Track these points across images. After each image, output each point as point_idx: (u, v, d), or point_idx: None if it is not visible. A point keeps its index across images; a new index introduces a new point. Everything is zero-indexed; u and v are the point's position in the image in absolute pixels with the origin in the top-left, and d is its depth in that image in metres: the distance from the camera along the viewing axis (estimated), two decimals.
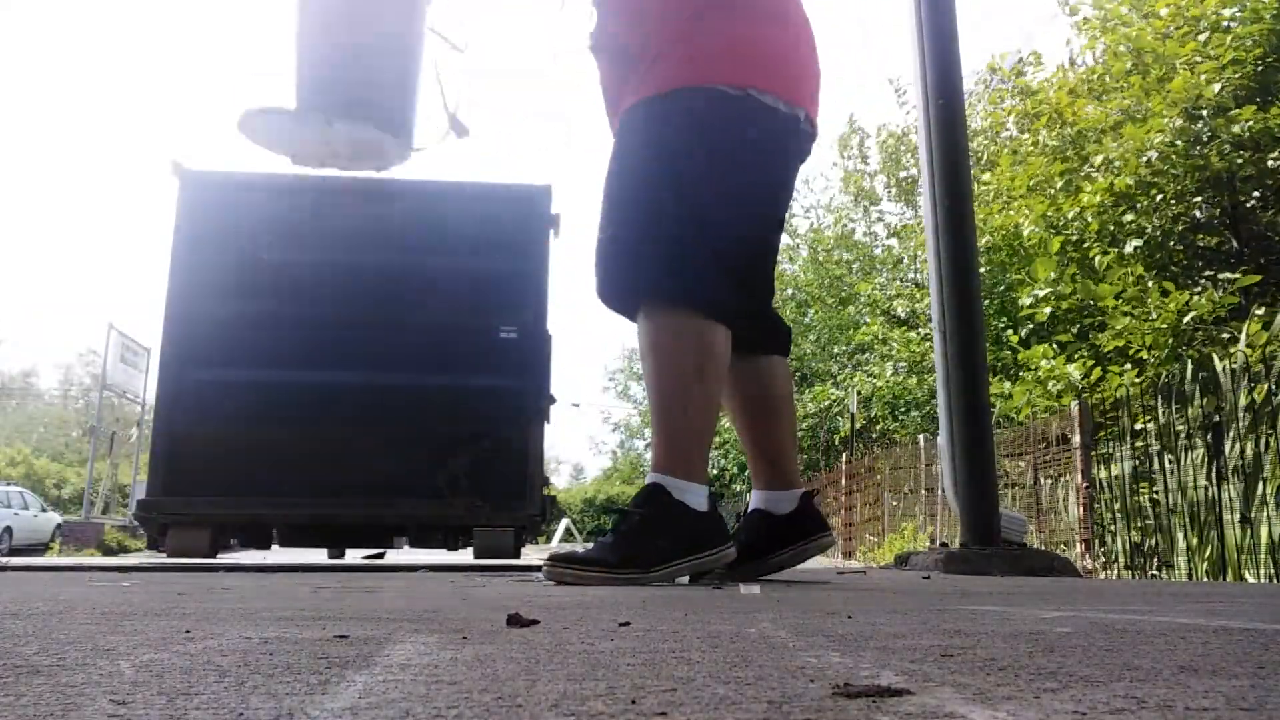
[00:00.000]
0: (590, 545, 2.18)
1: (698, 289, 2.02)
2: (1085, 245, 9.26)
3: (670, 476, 1.97)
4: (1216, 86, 7.92)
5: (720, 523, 2.04)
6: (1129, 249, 8.56)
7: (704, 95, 2.05)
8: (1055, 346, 9.02)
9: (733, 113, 2.06)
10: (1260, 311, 6.27)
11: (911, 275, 13.79)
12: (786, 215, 2.46)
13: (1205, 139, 8.02)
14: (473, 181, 5.24)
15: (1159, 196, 8.46)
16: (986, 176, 11.01)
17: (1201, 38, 8.38)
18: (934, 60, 3.98)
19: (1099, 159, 8.69)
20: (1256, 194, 8.77)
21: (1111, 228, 8.86)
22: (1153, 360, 7.44)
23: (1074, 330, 9.05)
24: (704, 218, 2.05)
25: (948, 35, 4.05)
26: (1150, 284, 7.60)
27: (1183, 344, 7.34)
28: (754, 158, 2.11)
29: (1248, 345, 6.04)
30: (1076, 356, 8.48)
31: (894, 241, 15.54)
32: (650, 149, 2.10)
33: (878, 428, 14.31)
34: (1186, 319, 7.17)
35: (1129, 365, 7.80)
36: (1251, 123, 7.77)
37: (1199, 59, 8.32)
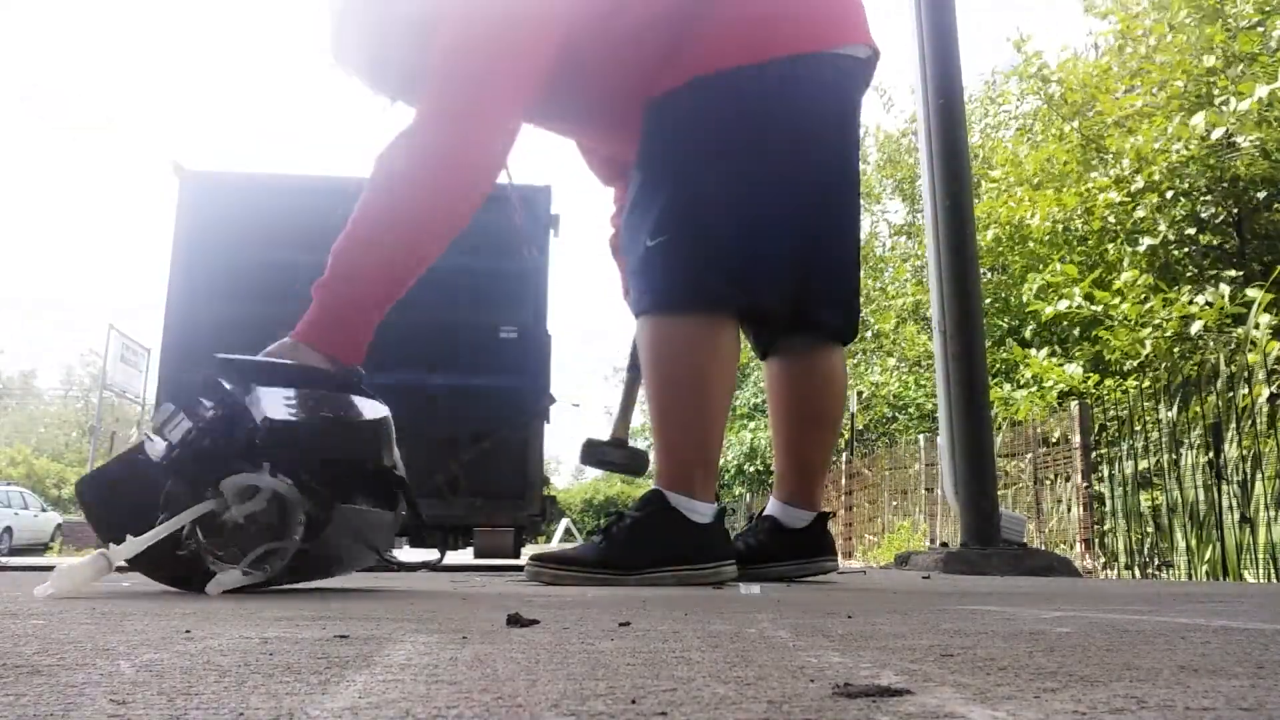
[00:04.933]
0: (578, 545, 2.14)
1: (715, 289, 1.90)
2: (1091, 242, 9.26)
3: (672, 493, 1.89)
4: (1245, 104, 7.88)
5: (722, 538, 1.97)
6: (1142, 246, 8.54)
7: (735, 78, 1.90)
8: (1058, 348, 9.02)
9: (768, 92, 1.91)
10: (1266, 318, 6.25)
11: (901, 278, 13.78)
12: (855, 172, 2.20)
13: (1229, 143, 7.99)
14: None
15: (1170, 194, 8.45)
16: (997, 173, 11.00)
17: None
18: (934, 60, 3.99)
19: (1125, 153, 8.61)
20: (1262, 194, 8.77)
21: (1119, 226, 8.85)
22: (1155, 368, 7.44)
23: (1076, 330, 9.05)
24: (748, 214, 1.92)
25: (948, 35, 4.05)
26: (1154, 295, 7.58)
27: (1187, 352, 7.33)
28: (791, 136, 1.96)
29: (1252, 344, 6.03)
30: (1077, 355, 8.48)
31: (900, 239, 15.53)
32: (688, 148, 1.95)
33: (879, 427, 14.31)
34: (1194, 329, 7.15)
35: (1133, 371, 7.80)
36: None
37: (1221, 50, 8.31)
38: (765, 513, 2.29)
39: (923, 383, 12.35)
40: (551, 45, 1.90)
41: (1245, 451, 5.19)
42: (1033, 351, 8.69)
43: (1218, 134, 7.81)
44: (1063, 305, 8.47)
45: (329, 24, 2.02)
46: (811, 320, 2.10)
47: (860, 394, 13.39)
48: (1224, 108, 7.89)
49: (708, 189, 1.93)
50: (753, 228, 1.93)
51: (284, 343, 1.66)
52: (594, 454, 2.51)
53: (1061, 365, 8.27)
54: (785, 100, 1.94)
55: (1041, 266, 9.85)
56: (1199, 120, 7.97)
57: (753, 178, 1.94)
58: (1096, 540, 6.88)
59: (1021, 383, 8.95)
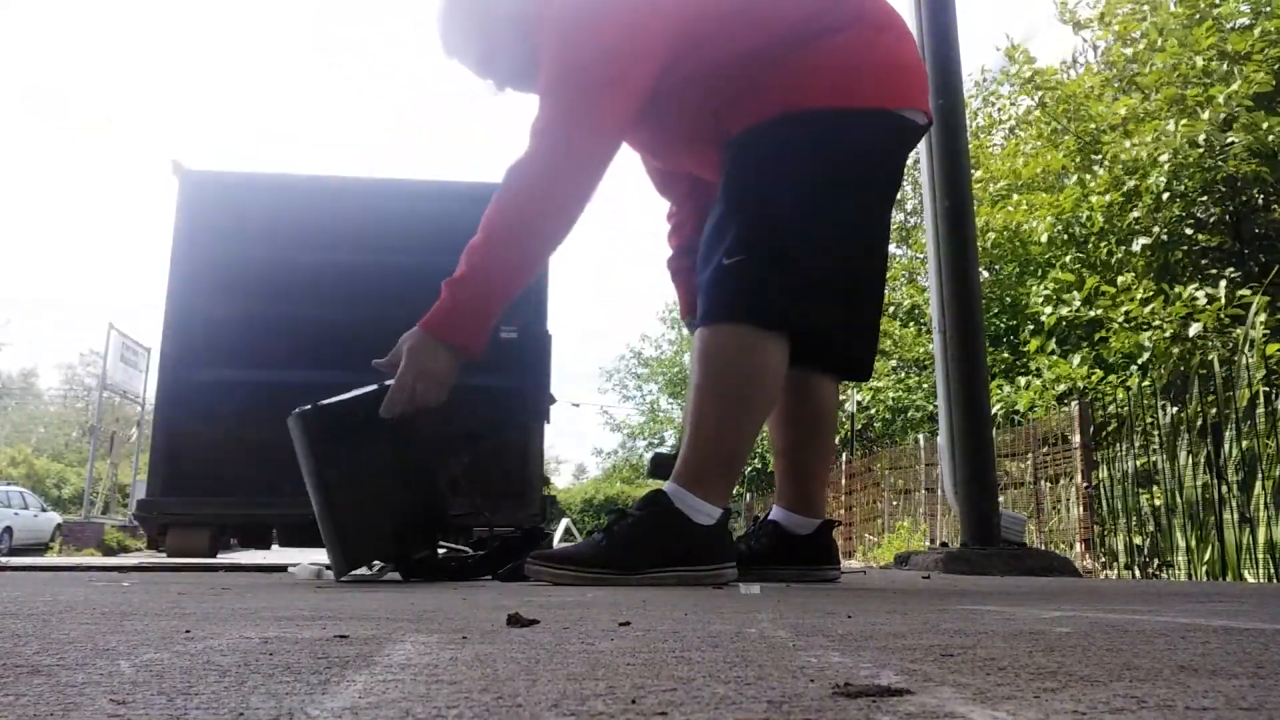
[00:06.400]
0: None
1: (780, 308, 1.95)
2: (1090, 245, 9.27)
3: (685, 490, 1.90)
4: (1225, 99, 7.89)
5: (724, 540, 1.97)
6: (1136, 247, 8.55)
7: (821, 118, 1.98)
8: (1057, 347, 9.02)
9: (850, 136, 2.00)
10: (1263, 318, 6.23)
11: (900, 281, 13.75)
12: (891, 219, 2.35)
13: (1223, 146, 7.99)
14: (474, 181, 5.24)
15: (1165, 196, 8.45)
16: (978, 174, 11.00)
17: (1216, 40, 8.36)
18: (934, 60, 3.99)
19: (1120, 156, 8.63)
20: (1259, 194, 8.77)
21: (1117, 227, 8.86)
22: (1157, 369, 7.43)
23: (1079, 330, 9.05)
24: (819, 246, 1.98)
25: (947, 35, 4.05)
26: (1153, 293, 7.57)
27: (1187, 351, 7.32)
28: (871, 180, 2.08)
29: (1251, 345, 6.03)
30: (1079, 354, 8.49)
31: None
32: (771, 177, 2.00)
33: (878, 427, 14.31)
34: (1193, 330, 7.14)
35: (1134, 369, 7.80)
36: (1271, 135, 7.76)
37: (1215, 55, 8.32)
38: (770, 518, 2.29)
39: (923, 385, 12.33)
40: (652, 77, 2.00)
41: (1245, 451, 5.19)
42: (1043, 341, 8.71)
43: (1192, 138, 7.83)
44: (1064, 310, 8.48)
45: (437, 22, 2.23)
46: (841, 356, 2.19)
47: (860, 403, 13.38)
48: (1202, 113, 7.92)
49: (786, 217, 1.98)
50: (821, 258, 1.99)
51: (414, 332, 2.00)
52: (664, 468, 2.55)
53: (1064, 365, 8.27)
54: (863, 146, 2.03)
55: (1041, 271, 9.86)
56: (1170, 126, 8.01)
57: (827, 212, 2.00)
58: (1096, 540, 6.88)
59: (1023, 375, 8.95)
